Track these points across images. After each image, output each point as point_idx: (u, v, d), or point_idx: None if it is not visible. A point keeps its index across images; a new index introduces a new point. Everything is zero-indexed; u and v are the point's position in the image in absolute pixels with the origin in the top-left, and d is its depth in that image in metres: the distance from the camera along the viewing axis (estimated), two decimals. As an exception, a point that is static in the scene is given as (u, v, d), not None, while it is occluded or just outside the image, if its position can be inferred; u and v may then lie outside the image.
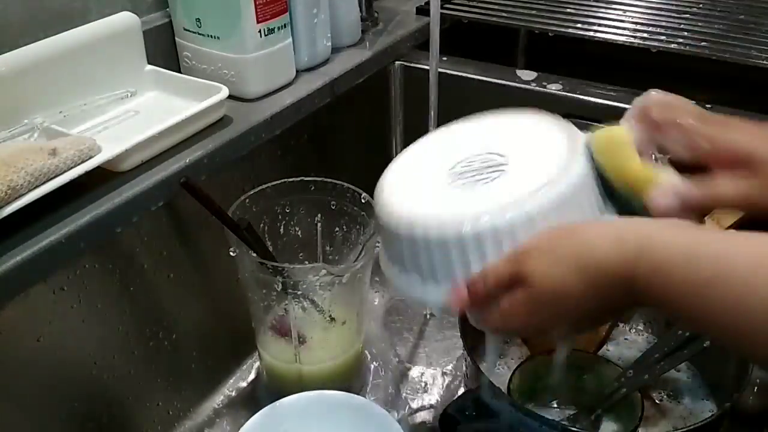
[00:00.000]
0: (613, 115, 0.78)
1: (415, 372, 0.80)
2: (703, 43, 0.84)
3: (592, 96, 0.81)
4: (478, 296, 0.45)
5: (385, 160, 0.55)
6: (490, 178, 0.49)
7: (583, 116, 0.81)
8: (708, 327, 0.38)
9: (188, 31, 0.76)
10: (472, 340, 0.64)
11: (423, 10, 0.98)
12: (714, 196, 0.44)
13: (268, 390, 0.76)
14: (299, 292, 0.67)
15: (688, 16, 0.92)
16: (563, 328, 0.45)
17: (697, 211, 0.44)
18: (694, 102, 0.76)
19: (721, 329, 0.37)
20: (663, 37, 0.86)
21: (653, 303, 0.39)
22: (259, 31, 0.73)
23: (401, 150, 0.56)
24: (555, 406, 0.67)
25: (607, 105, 0.80)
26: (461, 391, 0.75)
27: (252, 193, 0.70)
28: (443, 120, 0.77)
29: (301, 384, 0.72)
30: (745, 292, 0.35)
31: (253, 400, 0.77)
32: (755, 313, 0.34)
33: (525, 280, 0.42)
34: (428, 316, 0.87)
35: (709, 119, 0.46)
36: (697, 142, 0.45)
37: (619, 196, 0.46)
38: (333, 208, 0.73)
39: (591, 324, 0.46)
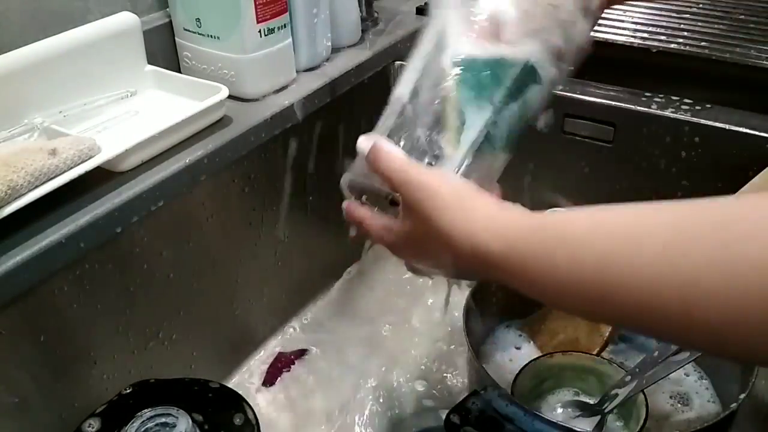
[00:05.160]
0: (612, 115, 0.78)
1: (415, 372, 0.80)
2: (703, 43, 0.84)
3: (592, 96, 0.81)
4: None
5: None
6: None
7: (583, 116, 0.81)
8: (555, 291, 0.40)
9: (188, 31, 0.76)
10: (477, 341, 0.64)
11: (423, 10, 0.98)
12: None
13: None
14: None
15: (688, 16, 0.92)
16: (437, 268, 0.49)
17: None
18: (692, 101, 0.77)
19: (566, 290, 0.39)
20: (663, 37, 0.86)
21: (507, 277, 0.42)
22: (259, 31, 0.73)
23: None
24: (559, 407, 0.67)
25: (607, 105, 0.80)
26: (466, 392, 0.75)
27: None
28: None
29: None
30: (583, 248, 0.38)
31: (256, 399, 0.77)
32: (593, 267, 0.37)
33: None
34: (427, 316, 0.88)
35: None
36: None
37: None
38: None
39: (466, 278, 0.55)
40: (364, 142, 0.51)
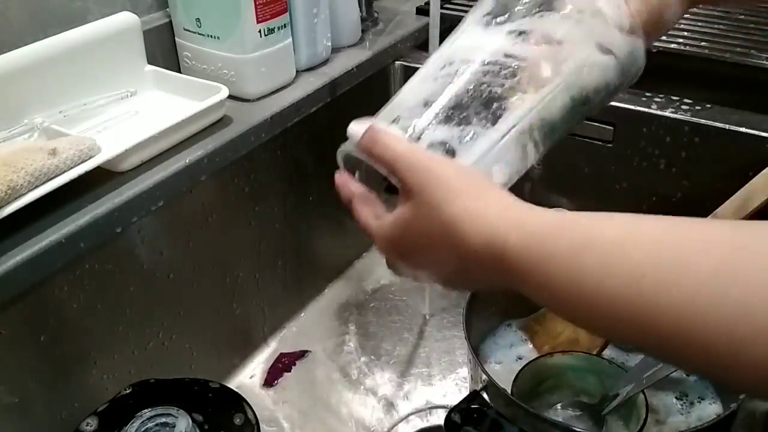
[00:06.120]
0: (612, 115, 0.78)
1: (415, 372, 0.80)
2: (703, 43, 0.84)
3: (592, 96, 0.81)
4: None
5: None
6: None
7: (583, 116, 0.81)
8: (577, 300, 0.35)
9: (188, 31, 0.76)
10: (477, 341, 0.64)
11: (423, 10, 0.98)
12: None
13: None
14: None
15: (688, 16, 0.92)
16: (429, 272, 0.44)
17: None
18: (692, 101, 0.77)
19: (591, 300, 0.34)
20: (663, 37, 0.86)
21: (521, 277, 0.37)
22: (259, 31, 0.73)
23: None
24: (559, 407, 0.67)
25: (607, 105, 0.80)
26: (465, 392, 0.75)
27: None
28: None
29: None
30: (618, 255, 0.33)
31: (256, 399, 0.77)
32: (626, 278, 0.32)
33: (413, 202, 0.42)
34: (428, 317, 0.88)
35: None
36: None
37: None
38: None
39: (460, 286, 0.49)
40: (355, 127, 0.46)
